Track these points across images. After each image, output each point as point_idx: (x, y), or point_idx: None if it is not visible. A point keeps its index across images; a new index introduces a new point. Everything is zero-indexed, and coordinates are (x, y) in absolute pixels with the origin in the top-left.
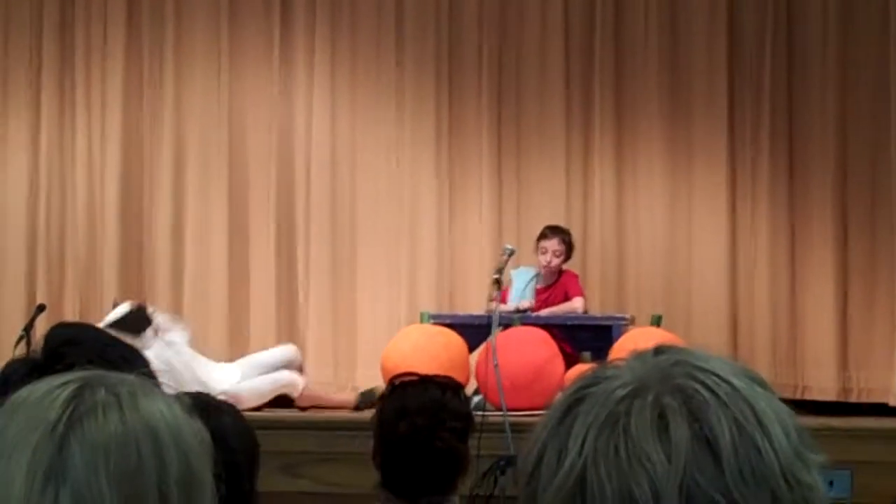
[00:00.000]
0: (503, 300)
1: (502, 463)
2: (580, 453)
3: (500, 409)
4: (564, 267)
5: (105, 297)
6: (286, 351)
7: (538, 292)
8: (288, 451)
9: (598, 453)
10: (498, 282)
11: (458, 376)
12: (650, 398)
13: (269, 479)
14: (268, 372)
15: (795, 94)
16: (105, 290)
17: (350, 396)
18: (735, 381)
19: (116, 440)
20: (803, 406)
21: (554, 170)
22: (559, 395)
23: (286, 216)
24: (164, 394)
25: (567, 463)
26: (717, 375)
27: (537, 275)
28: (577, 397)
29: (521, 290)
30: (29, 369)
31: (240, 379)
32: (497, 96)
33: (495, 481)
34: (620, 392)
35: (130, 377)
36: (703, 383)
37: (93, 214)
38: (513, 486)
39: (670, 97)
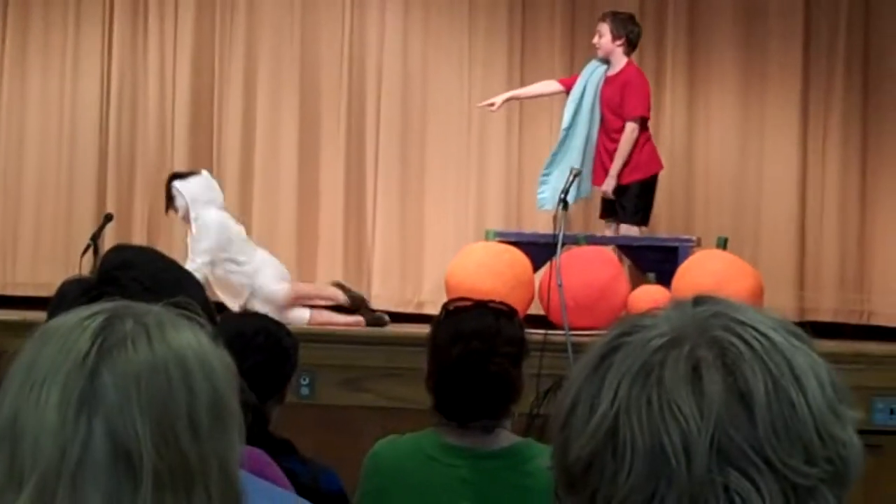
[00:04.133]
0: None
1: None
2: (612, 403)
3: (563, 329)
4: (630, 59)
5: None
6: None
7: (602, 87)
8: (352, 366)
9: (630, 404)
10: (564, 202)
11: (521, 295)
12: (686, 350)
13: (334, 394)
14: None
15: (872, 20)
16: None
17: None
18: (773, 335)
19: (147, 369)
20: (870, 333)
21: None
22: (594, 345)
23: (357, 131)
24: (191, 324)
25: (599, 412)
26: (755, 328)
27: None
28: (613, 346)
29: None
30: (82, 290)
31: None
32: (571, 14)
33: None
34: (656, 342)
35: (157, 308)
36: (739, 336)
37: (163, 126)
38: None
39: (745, 19)
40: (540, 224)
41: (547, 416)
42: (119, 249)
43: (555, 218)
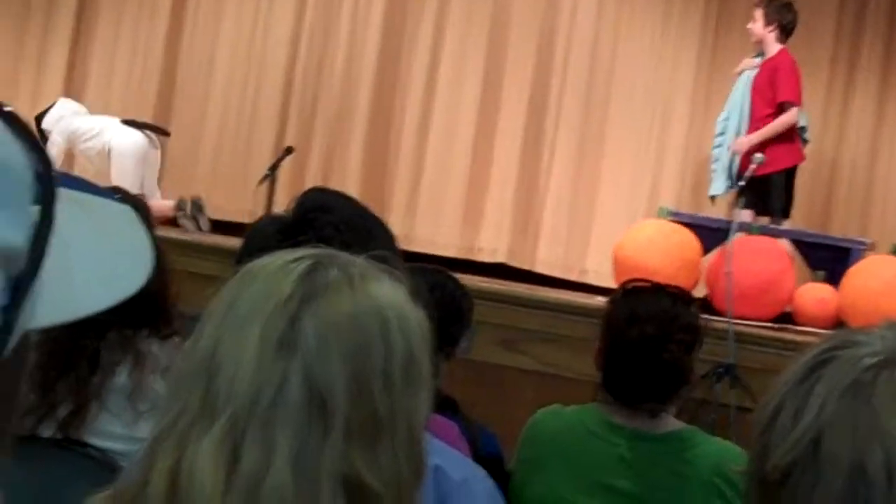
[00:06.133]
0: None
1: (721, 370)
2: (818, 415)
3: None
4: (783, 47)
5: (351, 149)
6: None
7: (754, 76)
8: (511, 326)
9: (836, 419)
10: (742, 190)
11: (687, 276)
12: None
13: (489, 351)
14: None
15: None
16: (351, 143)
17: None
18: None
19: (347, 319)
20: None
21: (814, 81)
22: (804, 355)
23: (540, 95)
24: (392, 279)
25: (804, 422)
26: None
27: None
28: (824, 358)
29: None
30: (278, 228)
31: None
32: None
33: (711, 387)
34: (868, 361)
35: (360, 259)
36: None
37: (349, 67)
38: (726, 394)
39: None
40: (710, 210)
41: (701, 402)
42: (317, 191)
43: (730, 204)
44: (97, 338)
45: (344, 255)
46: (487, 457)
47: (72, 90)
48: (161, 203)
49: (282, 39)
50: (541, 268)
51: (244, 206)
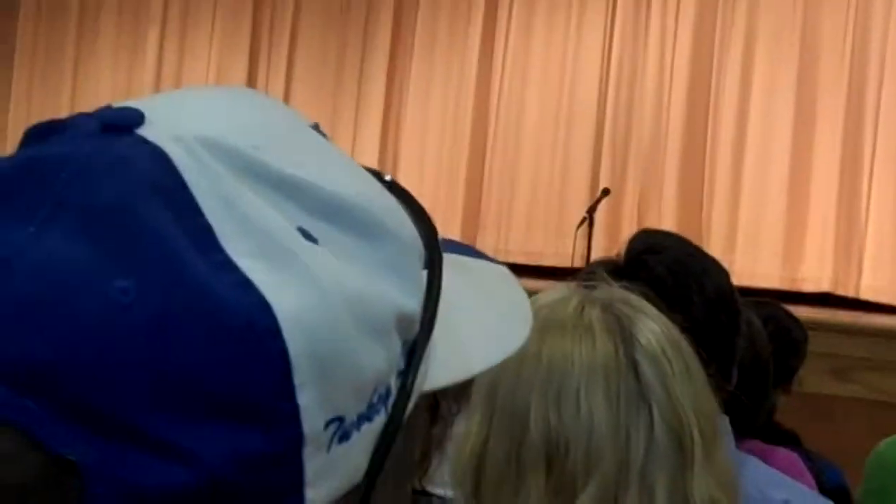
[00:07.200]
0: None
1: None
2: None
3: None
4: None
5: (665, 189)
6: None
7: None
8: (839, 355)
9: None
10: None
11: None
12: None
13: (818, 382)
14: None
15: None
16: (665, 182)
17: None
18: None
19: (662, 351)
20: None
21: None
22: None
23: (854, 120)
24: (660, 316)
25: None
26: None
27: None
28: None
29: None
30: (610, 270)
31: None
32: None
33: None
34: None
35: (633, 297)
36: None
37: (659, 108)
38: None
39: None
40: None
41: None
42: (646, 233)
43: None
44: None
45: (616, 292)
46: (833, 489)
47: (388, 134)
48: None
49: (590, 80)
50: (866, 294)
51: (562, 250)
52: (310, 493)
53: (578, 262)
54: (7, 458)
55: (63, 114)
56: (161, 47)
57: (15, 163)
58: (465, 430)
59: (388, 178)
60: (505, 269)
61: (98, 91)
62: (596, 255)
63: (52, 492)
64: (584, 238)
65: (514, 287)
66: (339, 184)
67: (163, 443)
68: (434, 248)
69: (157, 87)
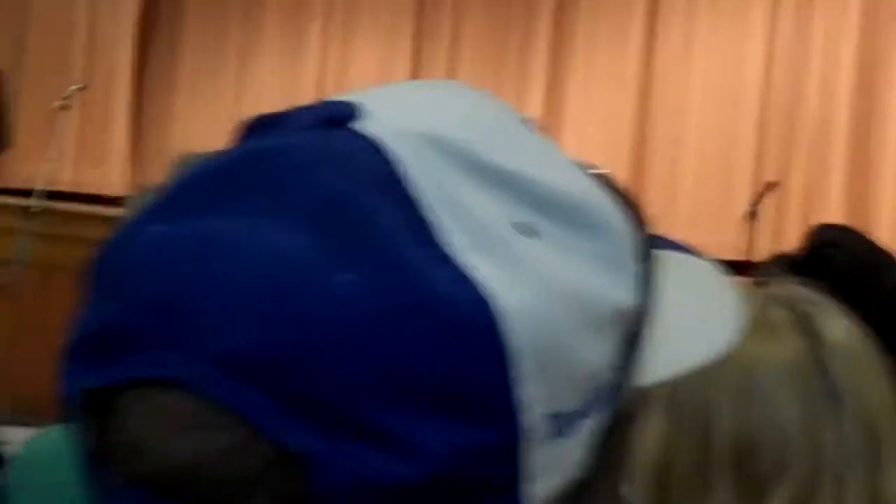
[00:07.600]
0: None
1: None
2: None
3: None
4: None
5: (833, 182)
6: None
7: None
8: None
9: None
10: None
11: None
12: None
13: None
14: None
15: None
16: (832, 174)
17: None
18: None
19: (849, 348)
20: None
21: None
22: None
23: None
24: (846, 313)
25: None
26: None
27: None
28: None
29: None
30: (789, 265)
31: None
32: None
33: None
34: None
35: (815, 294)
36: None
37: (826, 97)
38: None
39: None
40: None
41: None
42: (826, 227)
43: None
44: None
45: (779, 287)
46: None
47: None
48: None
49: (754, 75)
50: None
51: (726, 243)
52: (526, 489)
53: (739, 257)
54: (235, 449)
55: (228, 105)
56: (325, 37)
57: (234, 156)
58: (639, 431)
59: (600, 171)
60: (715, 266)
61: (262, 84)
62: (759, 249)
63: (278, 484)
64: (746, 232)
65: (724, 284)
66: (553, 177)
67: (385, 436)
68: (647, 243)
69: (321, 80)
